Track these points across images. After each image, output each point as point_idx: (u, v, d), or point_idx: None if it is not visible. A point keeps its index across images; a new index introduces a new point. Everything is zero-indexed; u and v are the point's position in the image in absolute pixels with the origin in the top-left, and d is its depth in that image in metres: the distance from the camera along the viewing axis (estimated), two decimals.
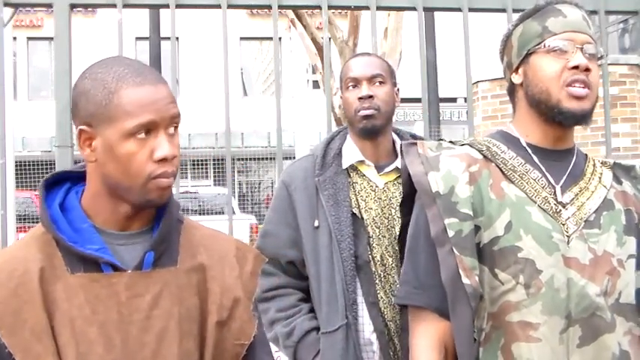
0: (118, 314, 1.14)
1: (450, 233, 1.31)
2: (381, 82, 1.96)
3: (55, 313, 1.12)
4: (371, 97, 1.94)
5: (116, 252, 1.19)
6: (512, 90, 1.47)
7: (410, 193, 1.42)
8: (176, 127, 1.20)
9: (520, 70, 1.43)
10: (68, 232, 1.18)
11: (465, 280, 1.28)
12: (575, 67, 1.35)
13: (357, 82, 1.97)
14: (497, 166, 1.38)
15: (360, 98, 1.94)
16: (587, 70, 1.35)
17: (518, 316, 1.29)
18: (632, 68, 6.65)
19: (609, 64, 3.07)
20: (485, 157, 1.40)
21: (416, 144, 1.43)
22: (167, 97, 1.18)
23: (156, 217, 1.25)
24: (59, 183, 1.26)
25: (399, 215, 1.68)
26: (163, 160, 1.16)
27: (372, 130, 1.95)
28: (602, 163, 1.47)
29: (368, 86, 1.95)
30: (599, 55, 1.40)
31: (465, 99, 2.71)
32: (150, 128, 1.15)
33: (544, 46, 1.38)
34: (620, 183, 1.44)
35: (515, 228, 1.32)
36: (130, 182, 1.16)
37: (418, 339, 1.39)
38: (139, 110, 1.14)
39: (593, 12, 2.56)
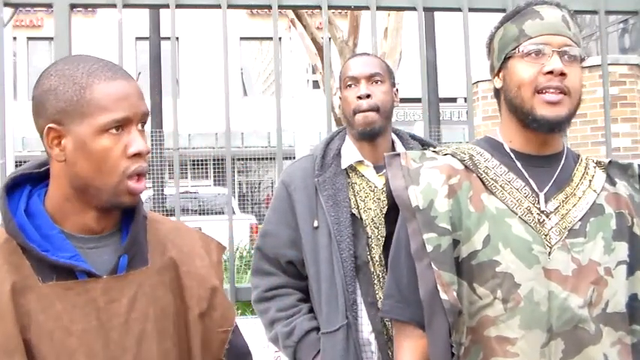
0: (97, 320, 1.12)
1: (429, 248, 1.29)
2: (379, 81, 1.96)
3: (31, 326, 1.08)
4: (369, 95, 1.93)
5: (87, 256, 1.15)
6: (497, 94, 1.45)
7: (394, 203, 1.40)
8: (144, 125, 1.19)
9: (500, 75, 1.40)
10: (37, 239, 1.12)
11: (443, 296, 1.27)
12: (550, 72, 1.31)
13: (355, 81, 1.97)
14: (479, 177, 1.35)
15: (359, 97, 1.94)
16: (563, 74, 1.31)
17: (495, 331, 1.27)
18: (632, 68, 6.66)
19: (609, 64, 3.06)
20: (466, 167, 1.37)
21: (399, 155, 1.41)
22: (139, 93, 1.17)
23: (123, 216, 1.23)
24: (19, 186, 1.20)
25: None
26: (137, 156, 1.14)
27: (371, 132, 1.95)
28: (596, 163, 1.43)
29: (366, 85, 1.95)
30: (581, 57, 1.35)
31: (465, 99, 2.71)
32: (123, 124, 1.13)
33: (519, 50, 1.35)
34: (613, 184, 1.39)
35: (493, 242, 1.29)
36: (102, 181, 1.13)
37: (403, 355, 1.38)
38: (113, 105, 1.12)
39: (593, 12, 2.56)
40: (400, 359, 1.38)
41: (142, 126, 1.18)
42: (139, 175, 1.16)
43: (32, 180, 1.21)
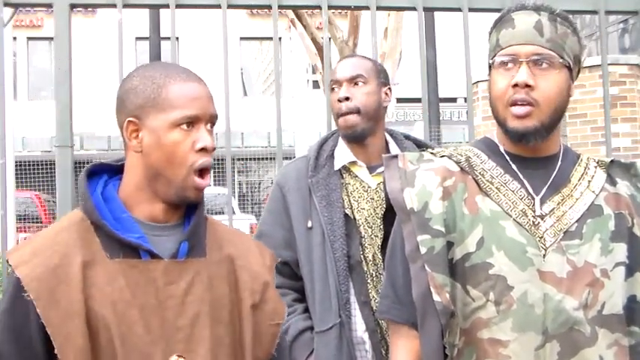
0: (156, 299, 1.22)
1: (423, 250, 1.30)
2: (361, 83, 1.97)
3: (96, 295, 1.19)
4: (347, 98, 1.95)
5: (152, 242, 1.26)
6: None
7: (391, 205, 1.40)
8: (212, 125, 1.30)
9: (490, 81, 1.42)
10: (110, 220, 1.25)
11: (436, 298, 1.27)
12: (516, 85, 1.30)
13: (338, 84, 1.99)
14: (474, 179, 1.35)
15: (339, 100, 1.96)
16: (528, 86, 1.30)
17: (488, 333, 1.27)
18: (632, 68, 6.65)
19: (609, 64, 3.07)
20: (462, 169, 1.37)
21: (397, 157, 1.41)
22: (209, 96, 1.30)
23: (186, 214, 1.33)
24: (96, 175, 1.33)
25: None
26: (203, 150, 1.25)
27: (354, 135, 1.96)
28: (598, 163, 1.42)
29: (347, 87, 1.96)
30: (561, 63, 1.32)
31: (465, 99, 2.71)
32: (193, 121, 1.25)
33: (494, 61, 1.36)
34: (614, 184, 1.38)
35: (487, 244, 1.29)
36: (173, 172, 1.25)
37: (397, 355, 1.39)
38: (185, 103, 1.25)
39: (593, 12, 2.56)
40: (395, 359, 1.39)
41: (211, 126, 1.29)
42: (204, 171, 1.27)
43: (109, 171, 1.34)
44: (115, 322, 1.18)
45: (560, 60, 1.33)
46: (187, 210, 1.33)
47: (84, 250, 1.21)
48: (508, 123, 1.33)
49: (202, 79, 1.32)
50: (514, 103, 1.31)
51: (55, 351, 1.15)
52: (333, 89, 2.01)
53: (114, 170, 1.34)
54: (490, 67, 1.39)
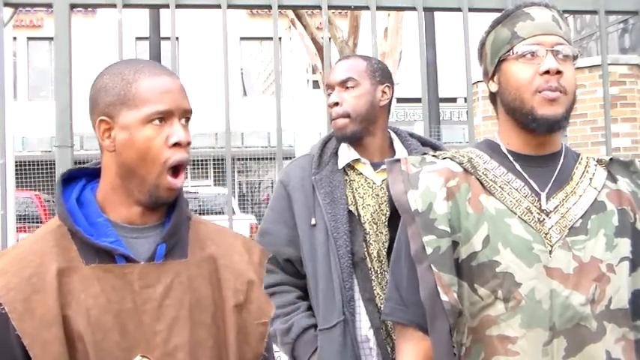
0: (132, 303, 1.19)
1: (428, 250, 1.30)
2: (351, 86, 1.98)
3: (72, 303, 1.16)
4: (337, 103, 1.97)
5: (130, 245, 1.23)
6: (492, 98, 1.45)
7: (396, 209, 1.40)
8: (187, 120, 1.26)
9: (495, 78, 1.41)
10: (84, 225, 1.23)
11: (444, 297, 1.28)
12: (547, 72, 1.31)
13: (331, 88, 2.02)
14: (478, 179, 1.36)
15: (329, 105, 2.00)
16: (559, 72, 1.32)
17: (497, 330, 1.28)
18: (632, 68, 6.65)
19: (609, 64, 3.06)
20: (465, 170, 1.38)
21: (399, 161, 1.42)
22: (181, 89, 1.26)
23: (167, 213, 1.30)
24: (75, 179, 1.31)
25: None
26: (177, 146, 1.21)
27: (344, 138, 1.98)
28: (597, 161, 1.43)
29: (338, 92, 1.99)
30: (574, 55, 1.36)
31: (465, 99, 2.71)
32: (165, 116, 1.22)
33: (513, 52, 1.36)
34: (615, 181, 1.39)
35: (493, 242, 1.30)
36: (146, 169, 1.21)
37: (403, 357, 1.39)
38: (156, 98, 1.22)
39: (593, 12, 2.56)
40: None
41: (186, 121, 1.26)
42: (179, 169, 1.23)
43: (88, 175, 1.32)
44: (89, 330, 1.16)
45: (573, 52, 1.36)
46: (169, 210, 1.30)
47: (60, 257, 1.19)
48: (536, 110, 1.33)
49: (174, 74, 1.28)
50: (544, 90, 1.32)
51: None
52: (328, 93, 2.03)
53: (93, 174, 1.32)
54: (500, 60, 1.38)
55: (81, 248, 1.20)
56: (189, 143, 1.24)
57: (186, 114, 1.25)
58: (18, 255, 1.21)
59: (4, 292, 1.15)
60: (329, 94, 2.02)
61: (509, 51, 1.37)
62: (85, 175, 1.32)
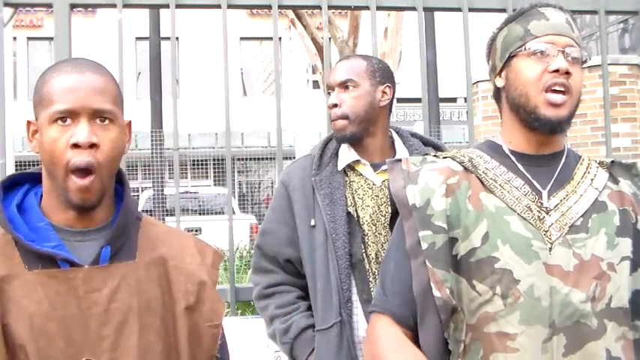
0: (78, 308, 1.15)
1: (424, 245, 1.31)
2: (351, 87, 1.98)
3: (12, 311, 1.12)
4: (335, 105, 1.98)
5: (73, 248, 1.19)
6: (497, 95, 1.46)
7: (396, 210, 1.41)
8: (108, 120, 1.19)
9: (503, 74, 1.42)
10: (25, 231, 1.18)
11: (436, 293, 1.28)
12: (556, 71, 1.33)
13: (331, 89, 2.02)
14: (478, 177, 1.37)
15: (329, 107, 2.01)
16: (568, 73, 1.33)
17: (495, 327, 1.28)
18: (632, 68, 6.66)
19: (609, 64, 3.07)
20: (465, 168, 1.39)
21: (400, 160, 1.43)
22: (93, 88, 1.19)
23: (115, 214, 1.26)
24: (19, 184, 1.27)
25: None
26: (77, 147, 1.15)
27: (344, 139, 1.99)
28: (599, 163, 1.45)
29: (338, 93, 1.99)
30: (583, 59, 1.38)
31: (465, 99, 2.71)
32: (69, 116, 1.16)
33: (525, 48, 1.37)
34: (616, 183, 1.40)
35: (492, 239, 1.30)
36: (56, 172, 1.17)
37: (379, 332, 1.35)
38: (59, 97, 1.17)
39: (593, 12, 2.56)
40: (379, 335, 1.35)
41: (102, 121, 1.19)
42: (82, 171, 1.17)
43: (32, 180, 1.27)
44: (32, 338, 1.12)
45: (583, 57, 1.38)
46: (116, 212, 1.26)
47: (2, 264, 1.15)
48: (540, 110, 1.34)
49: (98, 71, 1.21)
50: (551, 89, 1.33)
51: None
52: (328, 93, 2.03)
53: (36, 179, 1.27)
54: (511, 56, 1.40)
55: (24, 255, 1.16)
56: (92, 145, 1.16)
57: (96, 114, 1.18)
58: None
59: None
60: (329, 95, 2.03)
61: (520, 47, 1.38)
62: (29, 180, 1.28)
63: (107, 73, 1.24)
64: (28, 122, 1.21)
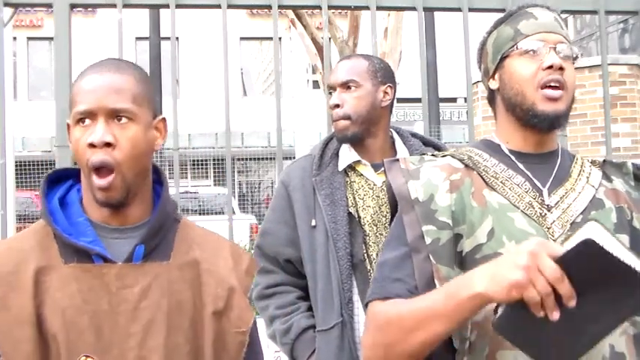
0: (109, 304, 1.18)
1: (428, 240, 1.30)
2: (353, 87, 1.98)
3: (47, 302, 1.16)
4: (337, 105, 1.97)
5: (109, 245, 1.22)
6: (491, 97, 1.47)
7: (396, 208, 1.39)
8: (127, 119, 1.21)
9: (496, 76, 1.43)
10: (64, 224, 1.22)
11: None
12: (550, 67, 1.34)
13: (332, 89, 2.02)
14: (479, 174, 1.37)
15: (330, 107, 2.01)
16: (562, 69, 1.34)
17: None
18: (632, 68, 6.65)
19: (609, 64, 3.07)
20: (466, 165, 1.38)
21: (398, 160, 1.43)
22: (110, 87, 1.20)
23: (153, 214, 1.28)
24: (63, 180, 1.31)
25: None
26: (92, 146, 1.18)
27: (345, 139, 1.99)
28: (591, 162, 1.46)
29: (339, 93, 1.99)
30: (574, 56, 1.38)
31: (465, 99, 2.71)
32: (89, 116, 1.19)
33: (517, 48, 1.38)
34: (610, 181, 1.41)
35: (497, 235, 1.30)
36: (83, 171, 1.22)
37: (378, 310, 1.28)
38: (80, 98, 1.20)
39: (593, 12, 2.56)
40: (377, 311, 1.28)
41: (119, 120, 1.20)
42: (100, 169, 1.19)
43: (77, 176, 1.30)
44: (64, 330, 1.15)
45: (574, 54, 1.39)
46: (155, 211, 1.28)
47: (41, 256, 1.19)
48: (537, 106, 1.34)
49: (119, 70, 1.23)
50: (546, 85, 1.34)
51: (1, 357, 1.13)
52: (329, 93, 2.03)
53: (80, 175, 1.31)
54: (503, 58, 1.41)
55: (61, 247, 1.20)
56: (108, 144, 1.18)
57: (112, 113, 1.19)
58: (0, 252, 1.22)
59: None
60: (330, 95, 2.02)
61: (512, 47, 1.39)
62: (74, 175, 1.31)
63: (131, 72, 1.25)
64: (67, 124, 1.25)
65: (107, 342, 1.16)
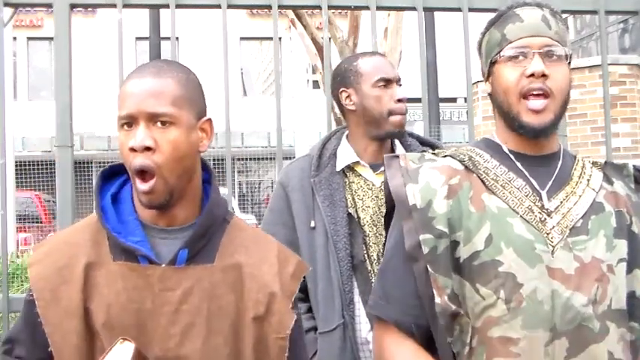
0: (152, 304, 1.21)
1: (425, 249, 1.29)
2: (402, 85, 2.02)
3: (94, 297, 1.20)
4: (400, 100, 1.98)
5: (156, 244, 1.24)
6: (490, 97, 1.45)
7: (392, 206, 1.39)
8: (168, 122, 1.21)
9: (489, 80, 1.41)
10: (114, 222, 1.25)
11: (437, 300, 1.27)
12: (532, 75, 1.31)
13: (389, 83, 1.98)
14: (479, 177, 1.36)
15: (399, 100, 1.97)
16: (544, 76, 1.31)
17: (499, 332, 1.26)
18: (632, 68, 6.65)
19: (609, 64, 3.06)
20: (466, 167, 1.37)
21: (398, 157, 1.41)
22: (149, 92, 1.21)
23: (200, 215, 1.29)
24: (117, 175, 1.33)
25: None
26: (133, 151, 1.19)
27: (400, 134, 2.00)
28: (592, 164, 1.44)
29: (397, 88, 1.99)
30: (566, 55, 1.35)
31: (465, 99, 2.71)
32: (131, 121, 1.21)
33: (501, 55, 1.36)
34: (611, 183, 1.40)
35: (495, 241, 1.29)
36: (130, 175, 1.23)
37: (393, 348, 1.34)
38: (123, 102, 1.22)
39: (593, 12, 2.56)
40: (393, 350, 1.34)
41: (163, 124, 1.21)
42: (142, 173, 1.20)
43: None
44: (108, 326, 1.18)
45: (565, 52, 1.36)
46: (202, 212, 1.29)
47: (92, 251, 1.23)
48: (522, 117, 1.33)
49: (159, 74, 1.24)
50: (529, 94, 1.32)
51: (50, 348, 1.17)
52: (380, 86, 1.97)
53: None
54: (492, 63, 1.39)
55: (112, 245, 1.23)
56: (148, 148, 1.19)
57: (152, 117, 1.20)
58: (56, 245, 1.26)
59: (35, 280, 1.21)
60: (382, 87, 1.96)
61: (498, 53, 1.37)
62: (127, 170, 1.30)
63: (171, 75, 1.25)
64: (119, 127, 1.26)
65: (149, 339, 1.19)
